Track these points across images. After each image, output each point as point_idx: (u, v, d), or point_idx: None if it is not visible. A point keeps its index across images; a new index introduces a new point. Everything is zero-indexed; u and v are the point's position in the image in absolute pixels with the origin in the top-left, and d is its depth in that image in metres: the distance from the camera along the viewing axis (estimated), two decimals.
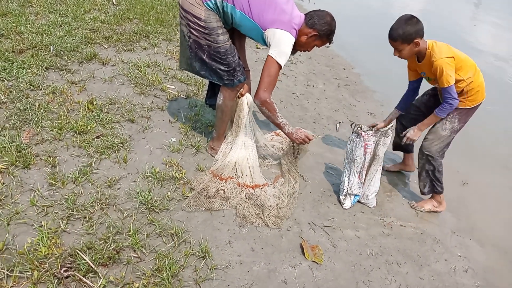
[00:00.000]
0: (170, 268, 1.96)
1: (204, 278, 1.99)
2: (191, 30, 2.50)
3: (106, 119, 3.00)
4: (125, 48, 4.33)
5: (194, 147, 2.97)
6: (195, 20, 2.46)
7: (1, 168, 2.36)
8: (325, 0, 8.04)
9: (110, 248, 2.01)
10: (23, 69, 3.39)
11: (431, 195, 2.95)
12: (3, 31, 3.95)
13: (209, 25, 2.46)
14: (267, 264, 2.17)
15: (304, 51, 2.69)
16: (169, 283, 1.90)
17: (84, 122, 2.88)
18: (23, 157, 2.46)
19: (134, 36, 4.67)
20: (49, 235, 1.99)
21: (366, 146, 2.66)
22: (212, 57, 2.56)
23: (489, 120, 4.43)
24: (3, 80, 3.20)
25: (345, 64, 5.84)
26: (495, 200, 3.33)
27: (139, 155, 2.76)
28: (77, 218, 2.16)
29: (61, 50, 3.84)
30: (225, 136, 2.95)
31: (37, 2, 4.99)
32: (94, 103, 3.16)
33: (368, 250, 2.44)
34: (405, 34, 2.46)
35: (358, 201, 2.83)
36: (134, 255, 2.03)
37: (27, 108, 2.92)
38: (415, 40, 2.48)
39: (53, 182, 2.34)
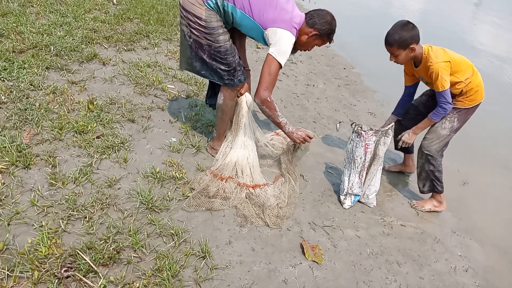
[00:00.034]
0: (170, 268, 1.96)
1: (204, 278, 1.99)
2: (192, 29, 2.50)
3: (106, 119, 3.00)
4: (125, 48, 4.33)
5: (194, 147, 2.97)
6: (196, 19, 2.46)
7: (2, 168, 2.36)
8: (325, 0, 8.03)
9: (111, 248, 2.01)
10: (23, 69, 3.39)
11: (431, 194, 2.96)
12: (4, 31, 3.95)
13: (209, 25, 2.46)
14: (267, 264, 2.17)
15: (305, 50, 2.70)
16: (169, 283, 1.90)
17: (84, 122, 2.88)
18: (23, 157, 2.46)
19: (135, 36, 4.67)
20: (49, 235, 2.00)
21: (366, 146, 2.66)
22: (212, 57, 2.56)
23: (489, 120, 4.44)
24: (3, 80, 3.20)
25: (345, 63, 5.84)
26: (495, 200, 3.33)
27: (140, 155, 2.76)
28: (77, 218, 2.16)
29: (61, 50, 3.85)
30: (225, 136, 2.95)
31: (38, 2, 4.99)
32: (95, 103, 3.16)
33: (369, 250, 2.45)
34: (401, 39, 2.49)
35: (359, 201, 2.83)
36: (134, 255, 2.03)
37: (28, 108, 2.93)
38: (411, 46, 2.52)
39: (53, 182, 2.34)
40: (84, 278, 1.83)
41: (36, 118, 2.83)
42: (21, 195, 2.23)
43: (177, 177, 2.60)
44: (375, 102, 4.73)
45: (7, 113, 2.84)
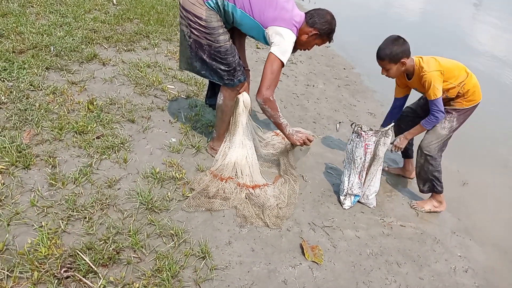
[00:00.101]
0: (170, 268, 1.96)
1: (204, 279, 1.99)
2: (192, 29, 2.50)
3: (106, 119, 3.00)
4: (125, 48, 4.33)
5: (194, 147, 2.97)
6: (196, 19, 2.46)
7: (2, 168, 2.37)
8: (325, 0, 8.03)
9: (110, 248, 2.01)
10: (23, 70, 3.39)
11: (431, 195, 2.96)
12: (4, 32, 3.95)
13: (210, 25, 2.46)
14: (267, 265, 2.17)
15: (304, 50, 2.70)
16: (169, 283, 1.90)
17: (84, 123, 2.88)
18: (23, 157, 2.46)
19: (135, 36, 4.67)
20: (49, 235, 1.99)
21: (366, 146, 2.66)
22: (212, 57, 2.56)
23: (489, 120, 4.44)
24: (3, 81, 3.20)
25: (345, 64, 5.84)
26: (495, 200, 3.34)
27: (139, 155, 2.76)
28: (77, 219, 2.16)
29: (61, 51, 3.85)
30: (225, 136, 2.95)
31: (38, 2, 4.99)
32: (95, 103, 3.16)
33: (368, 250, 2.45)
34: (392, 54, 2.56)
35: (358, 201, 2.83)
36: (134, 255, 2.03)
37: (28, 108, 2.93)
38: (402, 60, 2.58)
39: (53, 182, 2.34)
40: (83, 279, 1.83)
41: (36, 119, 2.83)
42: (21, 196, 2.23)
43: (177, 178, 2.60)
44: (375, 102, 4.73)
45: (7, 113, 2.84)
